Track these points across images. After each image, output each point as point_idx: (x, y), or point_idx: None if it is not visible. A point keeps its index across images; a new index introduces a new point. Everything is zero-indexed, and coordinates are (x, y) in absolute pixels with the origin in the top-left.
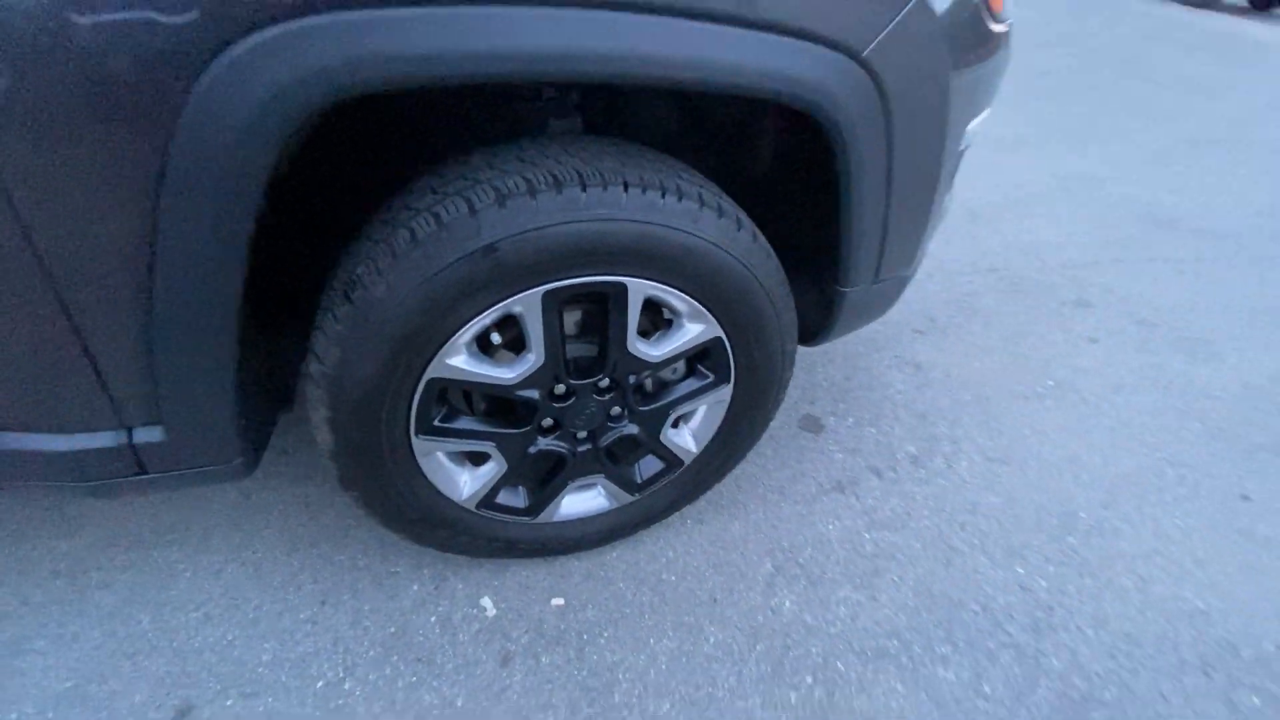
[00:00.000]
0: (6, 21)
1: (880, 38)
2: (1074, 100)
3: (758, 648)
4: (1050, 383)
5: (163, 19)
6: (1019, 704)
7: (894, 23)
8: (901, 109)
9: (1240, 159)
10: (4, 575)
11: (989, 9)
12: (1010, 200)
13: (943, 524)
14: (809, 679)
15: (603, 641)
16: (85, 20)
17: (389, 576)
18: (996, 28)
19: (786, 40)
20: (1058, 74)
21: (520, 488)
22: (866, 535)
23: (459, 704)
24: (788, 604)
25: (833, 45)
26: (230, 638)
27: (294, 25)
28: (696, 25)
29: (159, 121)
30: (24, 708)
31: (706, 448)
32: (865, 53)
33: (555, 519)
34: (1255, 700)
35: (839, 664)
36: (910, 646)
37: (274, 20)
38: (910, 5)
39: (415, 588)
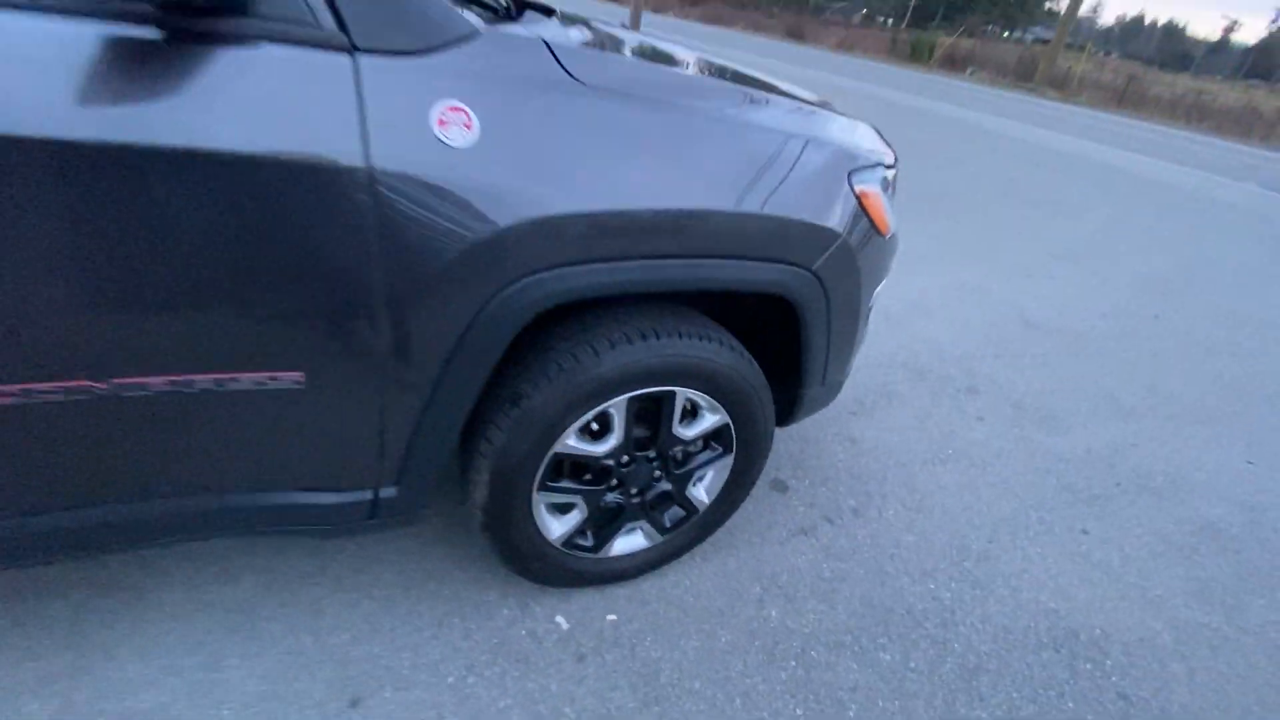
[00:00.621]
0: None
1: (821, 260)
2: (964, 221)
3: (755, 644)
4: (950, 451)
5: (499, 272)
6: (933, 672)
7: (827, 253)
8: (834, 292)
9: (1090, 270)
10: (189, 615)
11: (879, 232)
12: (916, 306)
13: (878, 555)
14: (792, 663)
15: (647, 644)
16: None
17: (484, 604)
18: (886, 236)
19: (777, 265)
20: (950, 197)
21: (588, 531)
22: (825, 565)
23: (553, 689)
24: (774, 614)
25: (798, 265)
26: (376, 651)
27: (534, 278)
28: (734, 262)
29: (480, 303)
30: (231, 703)
31: (714, 500)
32: (814, 267)
33: (610, 555)
34: (1088, 666)
35: (812, 652)
36: (860, 639)
37: (529, 274)
38: (836, 244)
39: (505, 611)
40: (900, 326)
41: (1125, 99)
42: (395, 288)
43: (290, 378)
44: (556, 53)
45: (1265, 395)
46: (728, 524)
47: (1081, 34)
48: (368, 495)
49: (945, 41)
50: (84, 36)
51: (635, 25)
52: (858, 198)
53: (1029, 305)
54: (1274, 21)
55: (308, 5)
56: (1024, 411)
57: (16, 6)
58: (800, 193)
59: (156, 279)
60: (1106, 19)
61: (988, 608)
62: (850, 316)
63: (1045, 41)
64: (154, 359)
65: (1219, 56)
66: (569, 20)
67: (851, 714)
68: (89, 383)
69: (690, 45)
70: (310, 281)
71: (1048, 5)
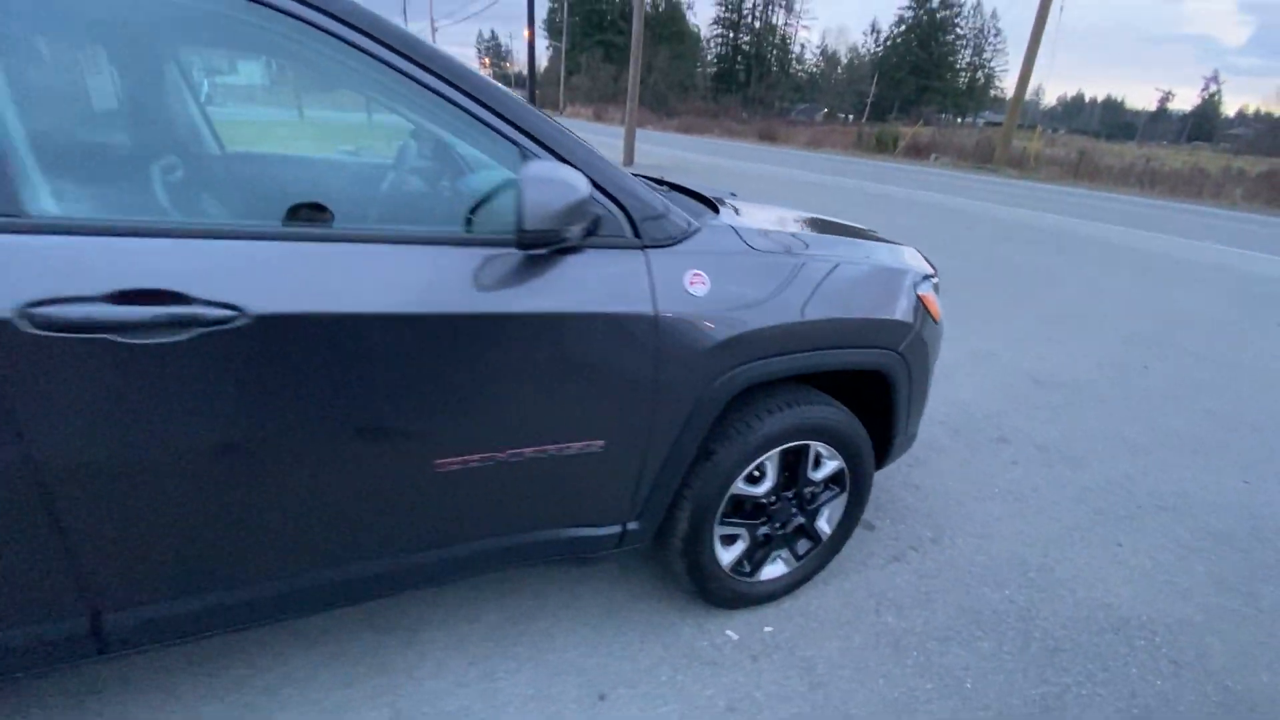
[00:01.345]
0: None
1: (904, 344)
2: (963, 295)
3: (882, 642)
4: (995, 489)
5: (718, 367)
6: (1023, 653)
7: (906, 339)
8: (913, 366)
9: (1080, 331)
10: (457, 645)
11: (934, 321)
12: (940, 373)
13: (958, 573)
14: (914, 653)
15: (800, 647)
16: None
17: (670, 624)
18: (940, 320)
19: (877, 350)
20: (947, 274)
21: (746, 559)
22: (919, 582)
23: (741, 681)
24: (890, 620)
25: (889, 349)
26: (603, 661)
27: (737, 369)
28: (851, 350)
29: (706, 388)
30: (512, 704)
31: (834, 531)
32: (900, 349)
33: (760, 579)
34: (1142, 642)
35: (928, 645)
36: (961, 633)
37: (734, 367)
38: (912, 333)
39: (687, 629)
40: (932, 391)
41: (1080, 172)
42: (661, 382)
43: (597, 444)
44: (740, 234)
45: (1251, 426)
46: (837, 555)
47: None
48: (619, 529)
49: (908, 132)
50: (514, 255)
51: (629, 158)
52: (920, 300)
53: (1034, 365)
54: (1204, 90)
55: (623, 226)
56: (1049, 453)
57: (442, 242)
58: (888, 301)
59: (539, 388)
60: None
61: (1054, 605)
62: (922, 383)
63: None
64: (532, 436)
65: (1159, 124)
66: (731, 201)
67: (969, 685)
68: (494, 454)
69: (786, 204)
70: (619, 381)
71: (993, 93)
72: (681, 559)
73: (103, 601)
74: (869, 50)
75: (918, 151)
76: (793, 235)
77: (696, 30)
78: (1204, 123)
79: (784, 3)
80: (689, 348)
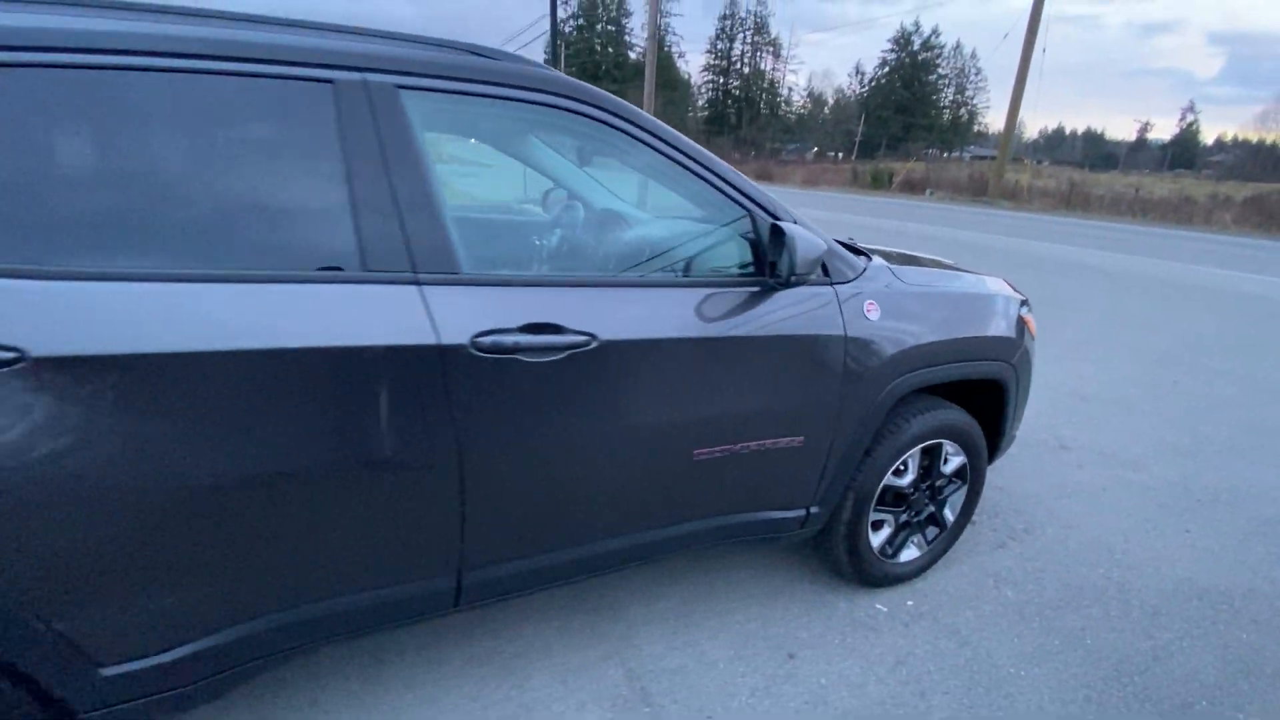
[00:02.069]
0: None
1: (1014, 356)
2: None
3: (1008, 611)
4: (1069, 489)
5: (889, 376)
6: (1127, 616)
7: (1016, 352)
8: (1021, 375)
9: (1109, 352)
10: (658, 619)
11: (1030, 334)
12: None
13: (1056, 556)
14: (1036, 619)
15: (942, 616)
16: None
17: (828, 600)
18: (1034, 333)
19: (996, 363)
20: None
21: (890, 543)
22: (1025, 563)
23: (900, 644)
24: (1009, 594)
25: (1005, 361)
26: (783, 631)
27: (901, 379)
28: (977, 363)
29: (879, 394)
30: (717, 663)
31: (955, 519)
32: (1012, 361)
33: (899, 561)
34: (1224, 606)
35: (1046, 612)
36: (1071, 602)
37: (899, 376)
38: (1020, 348)
39: (843, 604)
40: None
41: (1071, 202)
42: (846, 389)
43: (798, 440)
44: (894, 272)
45: (1277, 430)
46: (955, 542)
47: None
48: (804, 512)
49: (901, 168)
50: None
51: None
52: (1021, 319)
53: (1075, 383)
54: (1181, 120)
55: (821, 271)
56: (1108, 458)
57: (705, 285)
58: (1002, 321)
59: (765, 392)
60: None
61: (1144, 580)
62: (1025, 391)
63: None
64: (756, 432)
65: (1141, 154)
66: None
67: (1088, 641)
68: (730, 446)
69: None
70: (818, 387)
71: (976, 127)
72: (844, 541)
73: (465, 564)
74: (854, 91)
75: (912, 187)
76: (925, 271)
77: (688, 77)
78: (1184, 151)
79: (771, 49)
80: (867, 361)
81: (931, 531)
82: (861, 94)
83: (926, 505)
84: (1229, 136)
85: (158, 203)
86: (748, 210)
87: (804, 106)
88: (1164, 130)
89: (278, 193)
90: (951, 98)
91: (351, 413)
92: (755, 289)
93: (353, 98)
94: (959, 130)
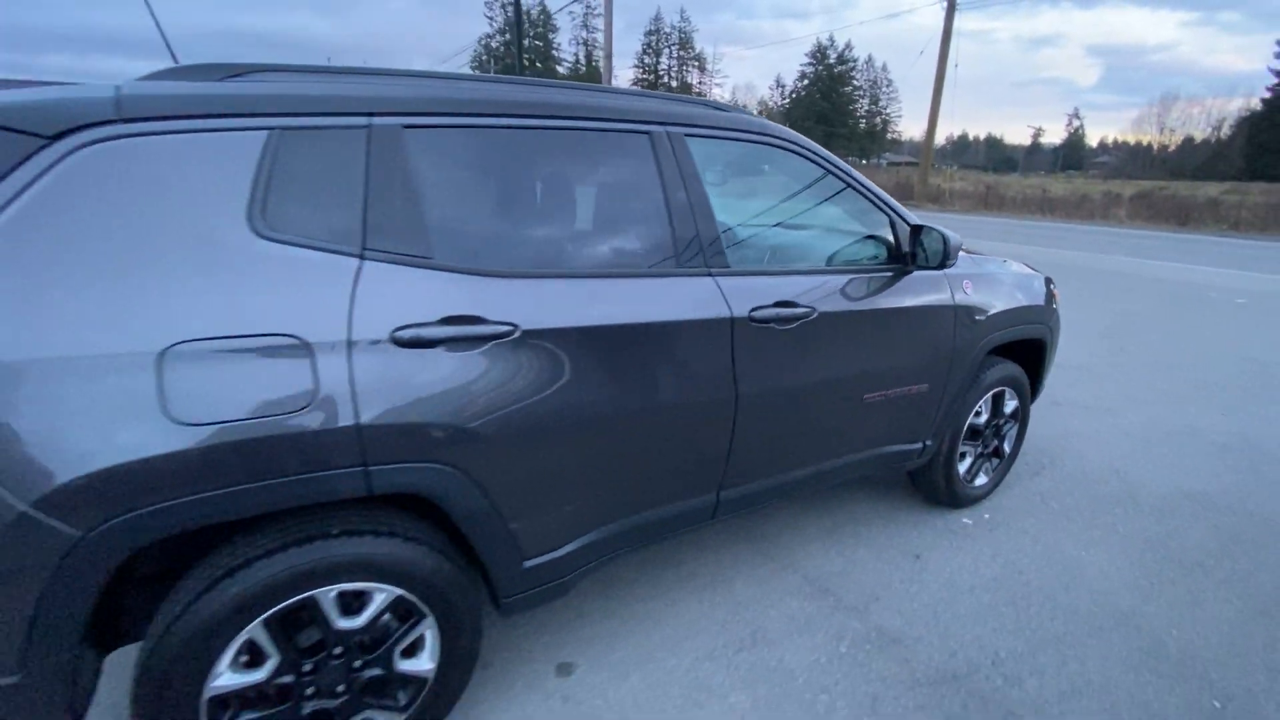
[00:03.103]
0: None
1: (1051, 319)
2: None
3: (1058, 515)
4: (1072, 431)
5: (983, 336)
6: (1139, 511)
7: (1053, 315)
8: (1054, 334)
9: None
10: (806, 544)
11: (1056, 302)
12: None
13: (1078, 477)
14: (1079, 518)
15: (1013, 523)
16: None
17: (922, 520)
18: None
19: (1039, 325)
20: None
21: (969, 472)
22: (1058, 484)
23: (986, 548)
24: (1054, 504)
25: (1044, 324)
26: (901, 540)
27: (989, 337)
28: (1028, 325)
29: (978, 349)
30: (863, 560)
31: (1011, 451)
32: (1049, 323)
33: (975, 485)
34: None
35: (1086, 511)
36: (1099, 504)
37: (990, 334)
38: (1054, 312)
39: (938, 522)
40: None
41: (988, 202)
42: (955, 346)
43: (924, 387)
44: (974, 260)
45: (1212, 384)
46: (1009, 470)
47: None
48: (921, 445)
49: None
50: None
51: None
52: (1050, 292)
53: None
54: (1069, 125)
55: (939, 255)
56: (1092, 409)
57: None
58: (1043, 293)
59: (907, 348)
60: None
61: (1145, 490)
62: (1055, 348)
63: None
64: (901, 380)
65: (1036, 156)
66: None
67: (1120, 530)
68: (885, 391)
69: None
70: (937, 345)
71: (890, 135)
72: (943, 470)
73: (723, 484)
74: (777, 103)
75: None
76: (985, 258)
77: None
78: (1073, 153)
79: (697, 63)
80: (968, 326)
81: (994, 462)
82: (784, 105)
83: (993, 440)
84: (1110, 139)
85: (573, 224)
86: (889, 216)
87: None
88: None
89: (633, 212)
90: (867, 108)
91: (683, 364)
92: (891, 273)
93: (661, 144)
94: (875, 138)
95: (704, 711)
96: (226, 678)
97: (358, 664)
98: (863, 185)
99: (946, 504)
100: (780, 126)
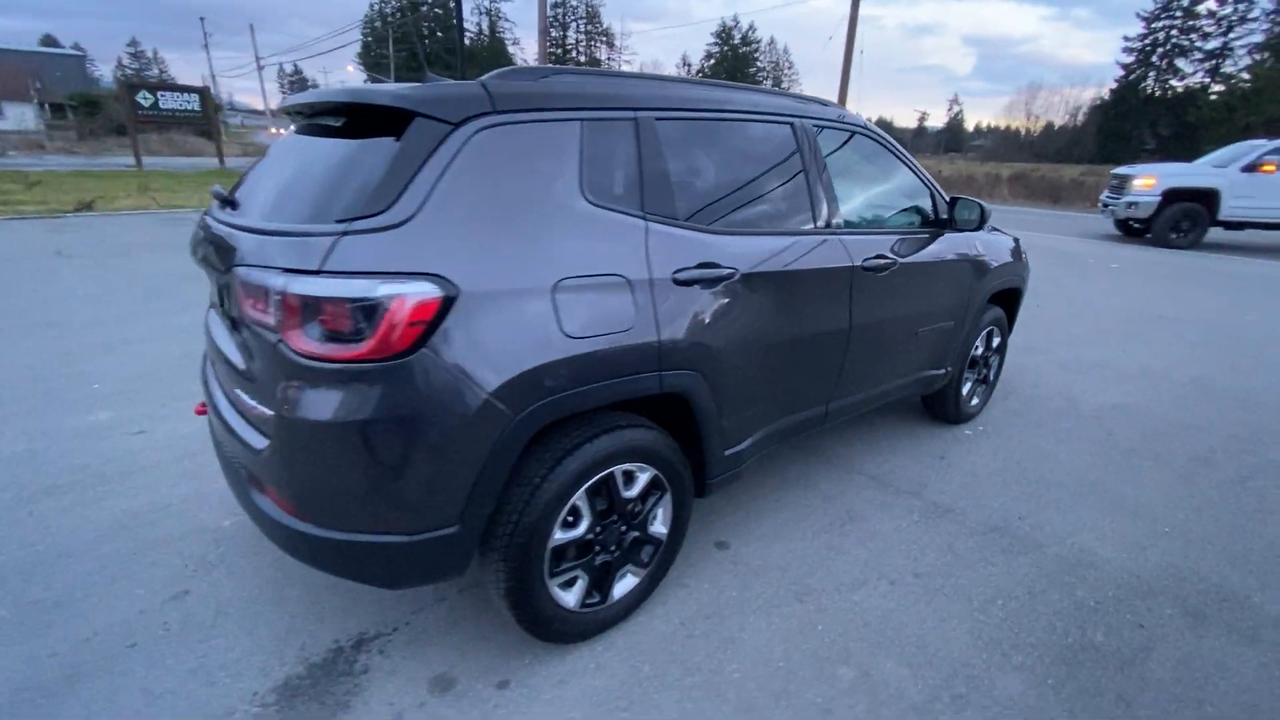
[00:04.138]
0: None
1: (1022, 270)
2: None
3: (1032, 424)
4: (1020, 367)
5: (988, 286)
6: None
7: (1024, 266)
8: (1025, 282)
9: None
10: (850, 478)
11: (1024, 257)
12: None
13: (1036, 397)
14: (1063, 422)
15: (1001, 432)
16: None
17: (940, 434)
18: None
19: (1018, 277)
20: None
21: (970, 394)
22: (1025, 404)
23: (985, 444)
24: (1030, 417)
25: (1021, 276)
26: (930, 447)
27: (993, 284)
28: (1014, 276)
29: (985, 292)
30: (860, 535)
31: (994, 377)
32: (1023, 275)
33: (972, 404)
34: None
35: (1048, 416)
36: (1061, 417)
37: (993, 284)
38: (1025, 263)
39: (948, 433)
40: None
41: None
42: (974, 290)
43: (950, 324)
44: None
45: (1111, 331)
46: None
47: None
48: (944, 370)
49: None
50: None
51: None
52: (1020, 250)
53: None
54: (949, 110)
55: (974, 221)
56: (1034, 350)
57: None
58: (1016, 251)
59: (943, 291)
60: None
61: (1087, 401)
62: (1024, 296)
63: None
64: (937, 318)
65: (922, 139)
66: None
67: (1112, 431)
68: (932, 326)
69: None
70: (961, 290)
71: None
72: (953, 392)
73: (832, 397)
74: None
75: None
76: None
77: (524, 65)
78: (954, 136)
79: (605, 39)
80: (980, 275)
81: (983, 388)
82: None
83: (984, 369)
84: (985, 124)
85: (755, 194)
86: (930, 189)
87: None
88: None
89: (789, 185)
90: (770, 89)
91: (823, 300)
92: (933, 234)
93: (800, 133)
94: None
95: (839, 561)
96: (559, 534)
97: (624, 528)
98: (914, 164)
99: (951, 420)
100: (863, 119)
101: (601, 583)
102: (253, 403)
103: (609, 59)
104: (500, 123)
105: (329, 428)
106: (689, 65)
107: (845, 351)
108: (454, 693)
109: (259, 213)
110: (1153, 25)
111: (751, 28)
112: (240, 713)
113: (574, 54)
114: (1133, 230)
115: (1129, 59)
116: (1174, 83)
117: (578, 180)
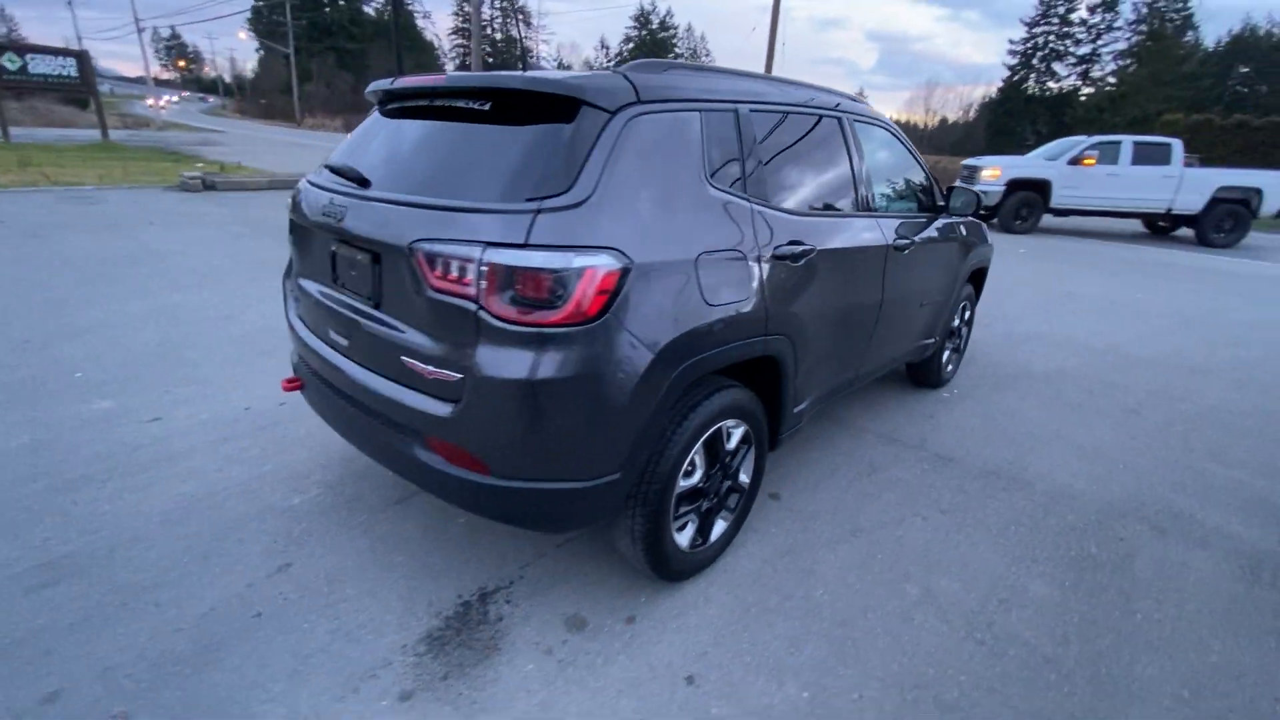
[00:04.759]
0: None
1: (989, 254)
2: None
3: (1009, 377)
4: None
5: (967, 261)
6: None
7: (990, 250)
8: (991, 258)
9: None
10: (883, 415)
11: (989, 244)
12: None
13: (997, 360)
14: (1026, 381)
15: (975, 394)
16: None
17: (926, 396)
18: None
19: (988, 255)
20: None
21: (946, 362)
22: (988, 366)
23: (968, 407)
24: (999, 373)
25: (989, 245)
26: (922, 408)
27: (973, 260)
28: (985, 247)
29: (967, 267)
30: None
31: (965, 344)
32: (989, 255)
33: (948, 371)
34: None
35: (1023, 377)
36: (1021, 375)
37: (973, 258)
38: (991, 250)
39: (931, 395)
40: None
41: None
42: (957, 271)
43: (940, 298)
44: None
45: (1031, 304)
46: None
47: None
48: (934, 340)
49: None
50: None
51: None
52: (986, 233)
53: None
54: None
55: (970, 206)
56: (992, 326)
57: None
58: (985, 233)
59: (939, 269)
60: None
61: (1039, 367)
62: (987, 274)
63: None
64: (933, 295)
65: None
66: None
67: (1052, 405)
68: (930, 303)
69: None
70: (951, 270)
71: None
72: (937, 360)
73: (861, 363)
74: (601, 64)
75: None
76: None
77: (435, 41)
78: None
79: (521, 16)
80: (965, 254)
81: (955, 356)
82: (609, 66)
83: (958, 339)
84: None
85: (818, 180)
86: (929, 177)
87: None
88: None
89: (841, 173)
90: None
91: (867, 274)
92: (927, 218)
93: (845, 125)
94: None
95: (875, 504)
96: (681, 482)
97: (722, 478)
98: (916, 154)
99: (931, 386)
100: (883, 115)
101: (704, 527)
102: (430, 368)
103: (526, 37)
104: (644, 112)
105: (526, 386)
106: (606, 48)
107: (876, 322)
108: (589, 630)
109: (415, 189)
110: (1033, 30)
111: (669, 14)
112: (397, 663)
113: (488, 30)
114: (983, 217)
115: (1013, 61)
116: (1052, 84)
117: (701, 165)
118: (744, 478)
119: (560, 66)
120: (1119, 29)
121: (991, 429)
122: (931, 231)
